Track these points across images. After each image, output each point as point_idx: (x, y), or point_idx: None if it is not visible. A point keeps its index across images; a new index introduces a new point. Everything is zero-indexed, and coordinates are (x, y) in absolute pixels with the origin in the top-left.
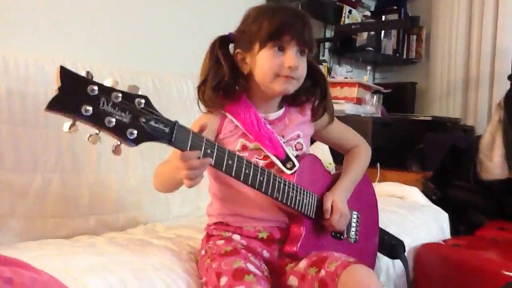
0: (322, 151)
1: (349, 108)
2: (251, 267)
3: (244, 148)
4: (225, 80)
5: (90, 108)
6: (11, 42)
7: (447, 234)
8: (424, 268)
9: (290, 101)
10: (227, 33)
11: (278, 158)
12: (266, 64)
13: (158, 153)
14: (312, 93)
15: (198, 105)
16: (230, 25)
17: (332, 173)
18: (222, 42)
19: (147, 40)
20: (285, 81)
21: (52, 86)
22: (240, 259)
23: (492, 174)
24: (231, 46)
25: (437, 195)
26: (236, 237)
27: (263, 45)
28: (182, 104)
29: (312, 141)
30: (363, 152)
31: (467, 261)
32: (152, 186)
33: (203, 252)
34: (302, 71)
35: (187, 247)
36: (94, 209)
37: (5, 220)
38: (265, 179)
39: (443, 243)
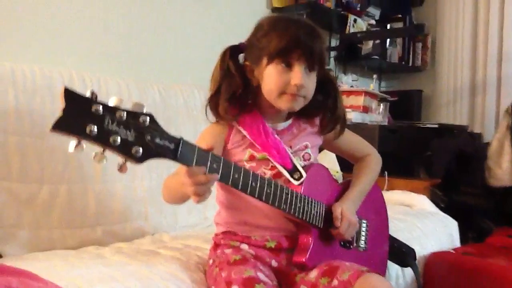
0: (329, 160)
1: (355, 117)
2: (261, 276)
3: (251, 158)
4: (239, 92)
5: (95, 128)
6: (19, 54)
7: (456, 242)
8: (434, 277)
9: (300, 113)
10: (237, 43)
11: (285, 169)
12: (272, 80)
13: (165, 164)
14: (323, 106)
15: (206, 114)
16: (236, 36)
17: (339, 181)
18: (232, 52)
19: (154, 51)
20: (291, 99)
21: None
22: (250, 268)
23: (501, 180)
24: (241, 55)
25: (445, 202)
26: (244, 246)
27: (271, 60)
28: (188, 114)
29: (320, 149)
30: (373, 161)
31: (477, 269)
32: (159, 196)
33: (211, 261)
34: (309, 88)
35: (194, 257)
36: (101, 219)
37: (12, 231)
38: (272, 191)
39: (453, 251)
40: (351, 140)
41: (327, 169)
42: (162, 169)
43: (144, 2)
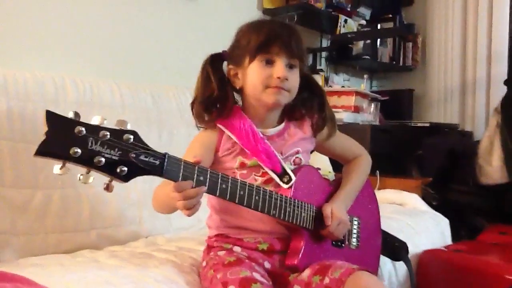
0: (321, 160)
1: (347, 117)
2: (257, 276)
3: (242, 165)
4: (214, 95)
5: (79, 150)
6: (11, 59)
7: (448, 240)
8: (427, 275)
9: (289, 114)
10: (219, 51)
11: (275, 172)
12: (255, 76)
13: None
14: (310, 105)
15: (196, 124)
16: (228, 38)
17: (331, 181)
18: (213, 60)
19: (146, 54)
20: (275, 91)
21: (51, 104)
22: (246, 269)
23: (491, 178)
24: (225, 64)
25: (437, 200)
26: (237, 248)
27: (253, 58)
28: (181, 117)
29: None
30: (364, 162)
31: (469, 267)
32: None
33: (204, 263)
34: (293, 82)
35: (188, 259)
36: (95, 223)
37: (6, 237)
38: (260, 198)
39: (445, 249)
40: (343, 142)
41: (317, 170)
42: None
43: (136, 5)
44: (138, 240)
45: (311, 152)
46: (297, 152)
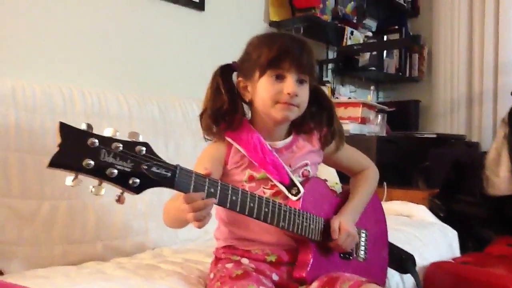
0: (328, 171)
1: (353, 128)
2: None
3: (251, 178)
4: (224, 107)
5: (92, 162)
6: (19, 71)
7: (456, 252)
8: (434, 287)
9: (298, 127)
10: (230, 62)
11: (283, 185)
12: (265, 91)
13: None
14: (319, 119)
15: (204, 136)
16: (235, 50)
17: (338, 192)
18: (223, 71)
19: (153, 66)
20: (285, 107)
21: (59, 116)
22: (253, 283)
23: (499, 189)
24: (234, 74)
25: (444, 212)
26: (245, 260)
27: (263, 72)
28: (188, 127)
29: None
30: (371, 175)
31: (476, 279)
32: (159, 211)
33: (212, 275)
34: (302, 98)
35: (195, 271)
36: (102, 234)
37: (13, 248)
38: (270, 210)
39: (452, 261)
40: (350, 154)
41: (324, 181)
42: None
43: (143, 17)
44: (145, 252)
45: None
46: (306, 165)
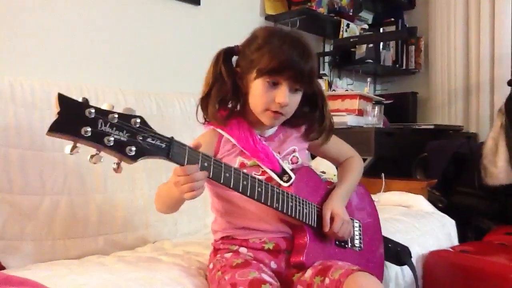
0: (326, 163)
1: (351, 120)
2: (266, 277)
3: (242, 165)
4: (228, 96)
5: (89, 129)
6: (18, 68)
7: (454, 241)
8: (433, 275)
9: (285, 123)
10: (232, 46)
11: (274, 172)
12: (258, 95)
13: (164, 172)
14: (310, 118)
15: (197, 115)
16: (231, 43)
17: (331, 184)
18: (226, 56)
19: (150, 61)
20: (273, 116)
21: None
22: (254, 270)
23: (497, 179)
24: (234, 58)
25: (443, 202)
26: (243, 250)
27: (260, 75)
28: (185, 123)
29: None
30: (356, 163)
31: (475, 267)
32: None
33: (211, 265)
34: (292, 107)
35: (196, 263)
36: (103, 229)
37: (15, 243)
38: (263, 190)
39: (451, 249)
40: (336, 145)
41: (314, 171)
42: (162, 177)
43: (139, 12)
44: (146, 245)
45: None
46: (294, 151)
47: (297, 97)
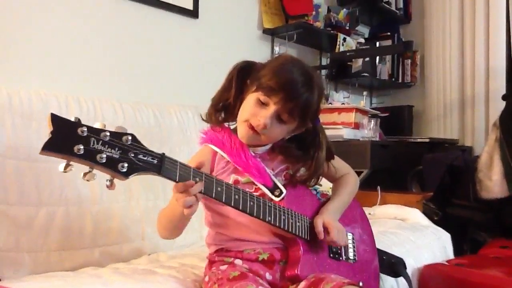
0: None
1: (347, 133)
2: None
3: (236, 183)
4: (229, 102)
5: (82, 147)
6: (15, 79)
7: (450, 254)
8: None
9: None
10: (255, 62)
11: (266, 187)
12: (245, 107)
13: (160, 184)
14: (300, 164)
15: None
16: (228, 56)
17: (326, 196)
18: (244, 67)
19: (147, 73)
20: (248, 130)
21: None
22: (252, 283)
23: (491, 192)
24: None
25: (438, 215)
26: (238, 261)
27: (256, 90)
28: (183, 135)
29: None
30: (351, 179)
31: (470, 280)
32: (155, 216)
33: (207, 278)
34: (272, 134)
35: (191, 275)
36: (98, 240)
37: (10, 254)
38: (255, 204)
39: (446, 263)
40: (330, 162)
41: (306, 186)
42: (158, 189)
43: (137, 25)
44: (141, 257)
45: None
46: (287, 168)
47: (280, 128)
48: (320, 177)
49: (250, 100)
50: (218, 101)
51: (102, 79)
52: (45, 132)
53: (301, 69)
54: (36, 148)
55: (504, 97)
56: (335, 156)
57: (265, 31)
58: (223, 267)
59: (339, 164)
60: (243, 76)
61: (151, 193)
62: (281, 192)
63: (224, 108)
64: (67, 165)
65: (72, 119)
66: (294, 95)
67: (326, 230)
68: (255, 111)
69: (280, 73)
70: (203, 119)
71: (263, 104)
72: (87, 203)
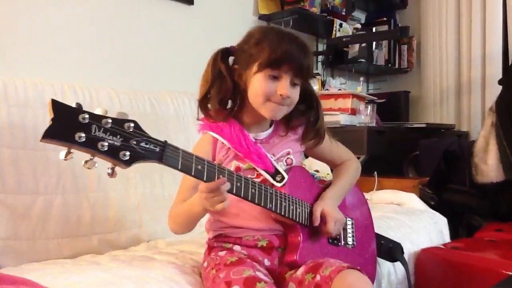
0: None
1: (344, 119)
2: (260, 275)
3: (237, 169)
4: (229, 94)
5: (83, 135)
6: (10, 67)
7: (446, 238)
8: (425, 272)
9: (283, 122)
10: (228, 46)
11: (267, 172)
12: (259, 87)
13: (157, 171)
14: (306, 118)
15: (198, 115)
16: (224, 42)
17: (324, 182)
18: (224, 55)
19: (143, 60)
20: (275, 108)
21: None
22: (249, 268)
23: (487, 177)
24: (230, 58)
25: (435, 200)
26: (237, 247)
27: (261, 69)
28: (179, 122)
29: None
30: (352, 165)
31: (466, 263)
32: (153, 204)
33: (205, 264)
34: (293, 99)
35: (190, 261)
36: (96, 228)
37: (8, 243)
38: (256, 191)
39: (442, 246)
40: (332, 147)
41: (307, 171)
42: (155, 176)
43: (133, 11)
44: (140, 244)
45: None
46: (288, 153)
47: (297, 91)
48: (323, 136)
49: (259, 81)
50: (219, 97)
51: (98, 67)
52: (41, 120)
53: (288, 34)
54: (32, 136)
55: (500, 82)
56: (336, 142)
57: (261, 17)
58: (222, 253)
59: (339, 149)
60: (227, 65)
61: (148, 181)
62: (283, 178)
63: (226, 102)
64: (68, 153)
65: (74, 105)
66: (299, 61)
67: (324, 219)
68: (270, 87)
69: (278, 46)
70: (207, 118)
71: (275, 78)
72: (84, 191)
